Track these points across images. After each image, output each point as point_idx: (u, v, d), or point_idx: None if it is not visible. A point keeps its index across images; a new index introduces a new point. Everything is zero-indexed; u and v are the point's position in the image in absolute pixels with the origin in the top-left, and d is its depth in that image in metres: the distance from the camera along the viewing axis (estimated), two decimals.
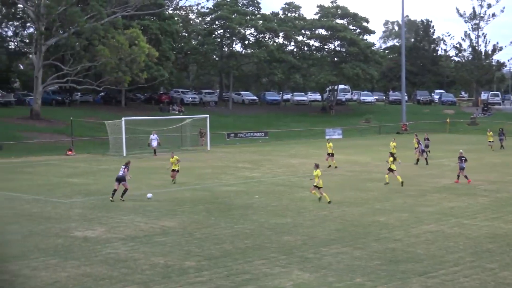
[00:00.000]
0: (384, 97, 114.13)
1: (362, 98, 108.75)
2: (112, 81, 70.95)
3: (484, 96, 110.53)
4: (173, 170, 35.72)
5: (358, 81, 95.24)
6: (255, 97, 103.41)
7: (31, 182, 36.80)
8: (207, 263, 18.73)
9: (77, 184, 35.94)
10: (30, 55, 77.56)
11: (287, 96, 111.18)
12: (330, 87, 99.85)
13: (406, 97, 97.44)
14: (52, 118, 68.89)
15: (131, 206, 28.36)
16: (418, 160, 45.20)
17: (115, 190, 29.71)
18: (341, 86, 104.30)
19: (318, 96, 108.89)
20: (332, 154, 42.92)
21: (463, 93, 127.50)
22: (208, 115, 62.24)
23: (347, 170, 42.13)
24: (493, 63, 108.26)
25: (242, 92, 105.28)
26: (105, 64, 67.08)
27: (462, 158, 36.32)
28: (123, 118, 55.37)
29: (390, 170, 34.91)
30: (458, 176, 36.29)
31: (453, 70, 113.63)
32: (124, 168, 30.11)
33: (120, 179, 29.67)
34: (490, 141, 56.24)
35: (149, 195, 30.31)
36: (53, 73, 78.88)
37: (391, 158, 35.32)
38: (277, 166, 44.24)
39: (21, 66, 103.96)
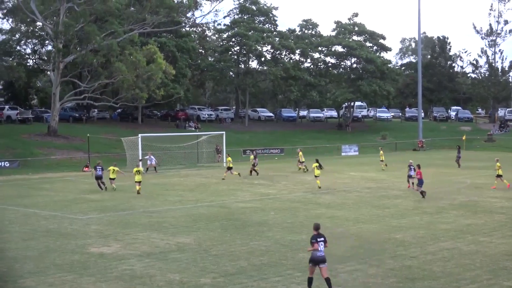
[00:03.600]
0: (400, 114, 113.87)
1: (378, 114, 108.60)
2: (129, 98, 71.43)
3: (501, 112, 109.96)
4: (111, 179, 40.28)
5: (374, 98, 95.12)
6: (271, 114, 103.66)
7: (48, 198, 37.01)
8: (223, 280, 18.71)
9: (94, 200, 36.10)
10: (48, 72, 78.23)
11: (303, 112, 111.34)
12: (346, 104, 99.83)
13: (423, 114, 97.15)
14: (69, 135, 69.35)
15: (147, 222, 28.43)
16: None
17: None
18: (357, 103, 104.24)
19: (334, 113, 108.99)
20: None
21: (479, 109, 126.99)
22: (224, 132, 62.42)
23: (363, 187, 41.99)
24: (510, 79, 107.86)
25: (258, 109, 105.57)
26: (122, 81, 67.53)
27: (411, 167, 40.34)
28: (139, 135, 55.64)
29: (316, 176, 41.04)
30: (408, 181, 40.45)
31: (469, 87, 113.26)
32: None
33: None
34: (381, 160, 55.44)
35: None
36: (70, 90, 79.67)
37: (316, 164, 41.19)
38: (293, 183, 44.19)
39: (39, 83, 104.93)
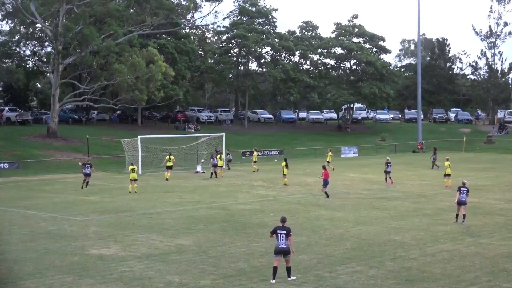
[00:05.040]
0: (400, 116, 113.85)
1: (378, 116, 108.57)
2: (129, 100, 71.42)
3: (500, 114, 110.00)
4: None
5: (374, 99, 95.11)
6: (270, 116, 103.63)
7: (47, 200, 37.01)
8: (222, 281, 18.70)
9: (93, 202, 36.10)
10: (48, 74, 78.25)
11: (302, 114, 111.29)
12: (346, 105, 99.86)
13: (422, 116, 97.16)
14: (69, 136, 69.35)
15: (146, 224, 28.43)
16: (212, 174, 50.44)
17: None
18: (357, 105, 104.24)
19: (333, 115, 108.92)
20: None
21: (479, 111, 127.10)
22: (223, 134, 62.43)
23: (362, 188, 41.99)
24: (510, 81, 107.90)
25: (257, 111, 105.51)
26: (122, 82, 67.49)
27: (388, 164, 43.96)
28: (139, 136, 55.66)
29: (284, 175, 43.65)
30: (386, 179, 43.89)
31: (469, 89, 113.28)
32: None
33: None
34: (328, 161, 55.74)
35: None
36: (70, 92, 79.64)
37: (284, 163, 43.89)
38: (292, 185, 44.16)
39: (39, 85, 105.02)
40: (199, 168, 54.28)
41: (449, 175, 42.03)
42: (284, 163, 44.08)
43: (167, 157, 49.45)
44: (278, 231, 18.48)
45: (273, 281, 18.37)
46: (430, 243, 24.08)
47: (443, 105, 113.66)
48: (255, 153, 57.69)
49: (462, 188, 28.23)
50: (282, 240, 18.36)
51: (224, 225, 28.14)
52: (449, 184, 41.45)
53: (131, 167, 41.28)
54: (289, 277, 18.55)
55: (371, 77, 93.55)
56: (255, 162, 56.14)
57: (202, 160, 55.81)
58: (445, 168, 42.71)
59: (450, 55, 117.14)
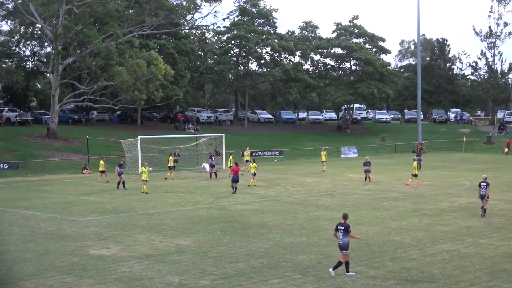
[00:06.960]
0: (400, 116, 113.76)
1: (377, 117, 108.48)
2: (128, 100, 71.37)
3: (500, 114, 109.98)
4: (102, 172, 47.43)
5: (373, 100, 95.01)
6: (270, 116, 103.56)
7: (47, 200, 37.00)
8: (222, 282, 18.71)
9: (93, 202, 36.10)
10: (48, 74, 78.20)
11: (302, 114, 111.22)
12: (345, 106, 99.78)
13: (422, 116, 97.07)
14: (69, 137, 69.30)
15: (146, 224, 28.43)
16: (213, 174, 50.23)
17: None
18: (357, 105, 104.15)
19: (333, 115, 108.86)
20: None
21: (479, 111, 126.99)
22: (223, 134, 62.38)
23: (362, 189, 41.99)
24: (510, 81, 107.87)
25: (257, 111, 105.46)
26: (121, 82, 67.44)
27: (368, 162, 45.87)
28: (139, 137, 55.60)
29: (253, 174, 44.11)
30: (366, 178, 45.65)
31: (469, 89, 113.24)
32: None
33: None
34: (323, 161, 55.66)
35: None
36: (70, 92, 79.55)
37: (254, 164, 44.65)
38: (292, 185, 44.18)
39: (39, 85, 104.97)
40: (207, 167, 53.75)
41: (416, 175, 43.10)
42: (254, 164, 44.57)
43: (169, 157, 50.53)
44: (339, 227, 19.43)
45: (331, 269, 19.32)
46: (430, 243, 24.08)
47: (443, 105, 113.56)
48: (245, 152, 57.58)
49: (482, 183, 30.03)
50: (341, 236, 19.26)
51: (224, 225, 28.14)
52: (416, 183, 42.91)
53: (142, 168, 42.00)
54: (347, 272, 19.26)
55: (371, 77, 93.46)
56: (247, 161, 55.24)
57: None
58: (412, 168, 43.22)
59: (450, 55, 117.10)
